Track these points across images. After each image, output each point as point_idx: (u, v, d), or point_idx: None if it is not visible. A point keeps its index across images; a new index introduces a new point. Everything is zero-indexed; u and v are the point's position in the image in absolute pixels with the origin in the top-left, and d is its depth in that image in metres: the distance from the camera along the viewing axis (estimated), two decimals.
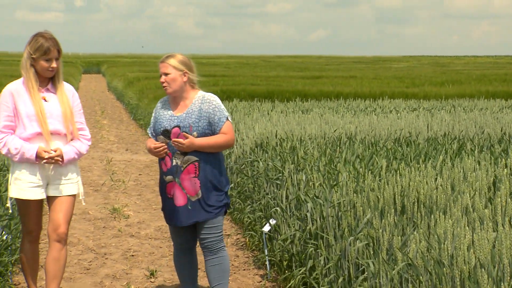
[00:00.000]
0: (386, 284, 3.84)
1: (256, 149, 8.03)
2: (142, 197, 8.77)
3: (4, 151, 4.35)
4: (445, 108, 13.23)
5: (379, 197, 4.67)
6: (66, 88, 4.49)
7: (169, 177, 4.45)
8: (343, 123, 9.72)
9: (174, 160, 4.42)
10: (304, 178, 5.87)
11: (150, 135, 4.62)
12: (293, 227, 5.42)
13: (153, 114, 4.62)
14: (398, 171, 5.48)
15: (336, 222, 4.80)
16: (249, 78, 23.17)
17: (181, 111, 4.46)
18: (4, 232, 5.30)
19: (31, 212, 4.44)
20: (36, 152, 4.31)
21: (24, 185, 4.38)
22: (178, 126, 4.42)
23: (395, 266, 3.79)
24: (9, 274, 5.26)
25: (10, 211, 4.67)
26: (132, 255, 6.19)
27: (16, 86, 4.40)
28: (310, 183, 5.74)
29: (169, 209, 4.50)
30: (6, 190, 6.29)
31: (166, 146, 4.42)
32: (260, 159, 7.29)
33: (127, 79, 26.59)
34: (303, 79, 24.10)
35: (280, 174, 6.37)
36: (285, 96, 15.94)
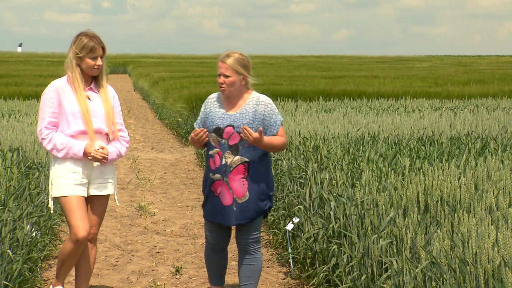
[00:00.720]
0: (409, 282, 3.87)
1: None
2: (167, 195, 8.87)
3: (49, 147, 4.36)
4: (468, 107, 13.18)
5: (402, 196, 4.70)
6: (108, 88, 4.55)
7: (217, 175, 4.40)
8: (366, 122, 9.75)
9: (223, 159, 4.37)
10: (327, 177, 5.92)
11: (197, 129, 4.52)
12: (316, 225, 5.48)
13: (202, 109, 4.56)
14: (421, 170, 5.51)
15: (359, 221, 4.85)
16: (272, 78, 23.20)
17: (234, 110, 4.42)
18: (33, 229, 5.41)
19: (75, 207, 4.33)
20: (84, 148, 4.35)
21: (67, 182, 4.36)
22: (232, 126, 4.38)
23: (419, 264, 3.82)
24: (38, 270, 5.36)
25: (52, 211, 4.68)
26: (158, 252, 6.29)
27: (61, 84, 4.43)
28: (333, 181, 5.79)
29: (214, 207, 4.45)
30: (36, 187, 6.42)
31: (205, 130, 4.35)
32: (284, 158, 7.35)
33: (153, 79, 26.73)
34: (326, 78, 24.08)
35: (304, 173, 6.42)
36: (308, 96, 15.96)
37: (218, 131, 4.40)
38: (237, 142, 4.37)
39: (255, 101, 4.44)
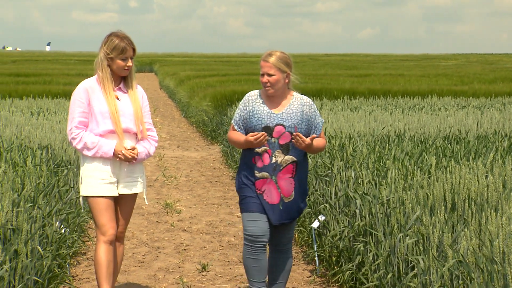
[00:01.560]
0: (436, 280, 3.86)
1: None
2: (193, 192, 8.93)
3: (79, 146, 4.38)
4: (494, 106, 13.06)
5: (429, 194, 4.69)
6: (137, 88, 4.55)
7: (263, 174, 4.36)
8: (392, 121, 9.72)
9: (273, 158, 4.34)
10: (353, 175, 5.92)
11: (236, 127, 4.48)
12: (342, 223, 5.48)
13: (241, 107, 4.49)
14: (448, 168, 5.49)
15: (385, 219, 4.84)
16: (298, 76, 23.18)
17: (279, 109, 4.40)
18: (62, 226, 5.49)
19: (104, 209, 4.38)
20: (114, 148, 4.38)
21: (96, 182, 4.39)
22: (282, 125, 4.35)
23: (446, 263, 3.82)
24: (67, 266, 5.44)
25: (82, 209, 4.71)
26: (184, 249, 6.34)
27: (90, 83, 4.46)
28: (359, 180, 5.79)
29: (259, 203, 4.37)
30: (65, 185, 6.51)
31: (265, 134, 4.29)
32: (309, 156, 7.36)
33: (179, 78, 26.89)
34: (351, 77, 23.99)
35: (329, 171, 6.43)
36: (334, 94, 15.94)
37: (267, 129, 4.36)
38: (288, 141, 4.35)
39: (299, 102, 4.44)
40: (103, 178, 4.40)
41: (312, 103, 4.51)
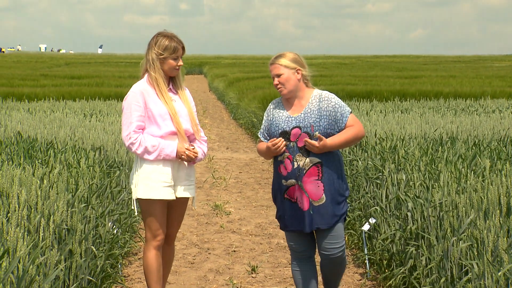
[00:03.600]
0: (491, 286, 3.78)
1: (355, 148, 8.04)
2: (242, 194, 8.96)
3: (140, 150, 4.30)
4: None
5: (483, 197, 4.60)
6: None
7: (290, 181, 4.21)
8: (444, 123, 9.58)
9: (295, 163, 4.17)
10: (404, 177, 5.85)
11: (262, 139, 4.38)
12: (393, 226, 5.42)
13: (264, 117, 4.38)
14: (503, 171, 5.37)
15: (438, 222, 4.77)
16: (346, 78, 23.07)
17: (298, 112, 4.24)
18: (114, 226, 5.57)
19: (160, 213, 4.33)
20: (176, 149, 4.32)
21: (157, 185, 4.31)
22: (298, 127, 4.20)
23: (501, 268, 3.74)
24: (119, 266, 5.51)
25: (136, 212, 4.68)
26: (234, 251, 6.36)
27: (144, 86, 4.40)
28: (411, 182, 5.72)
29: (294, 215, 4.23)
30: (117, 186, 6.60)
31: (283, 140, 4.18)
32: (359, 158, 7.31)
33: (228, 80, 27.01)
34: (401, 78, 23.76)
35: (380, 174, 6.37)
36: (384, 96, 15.81)
37: (285, 134, 4.23)
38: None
39: (318, 99, 4.25)
40: (164, 180, 4.32)
41: (332, 96, 4.28)
